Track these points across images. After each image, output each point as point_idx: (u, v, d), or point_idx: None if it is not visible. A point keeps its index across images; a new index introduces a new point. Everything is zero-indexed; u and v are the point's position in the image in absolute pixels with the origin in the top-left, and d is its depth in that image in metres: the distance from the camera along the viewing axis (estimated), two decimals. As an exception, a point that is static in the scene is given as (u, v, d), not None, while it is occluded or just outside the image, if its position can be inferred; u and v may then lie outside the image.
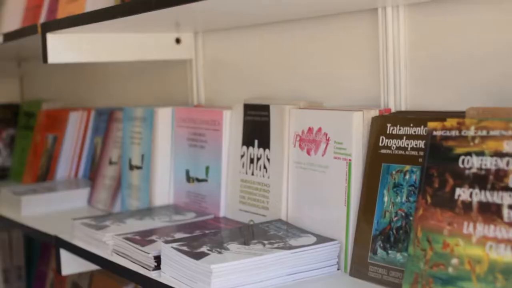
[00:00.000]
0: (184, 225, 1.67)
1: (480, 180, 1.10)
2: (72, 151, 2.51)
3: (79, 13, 1.76)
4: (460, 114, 1.27)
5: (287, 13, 1.62)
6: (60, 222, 1.99)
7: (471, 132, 1.13)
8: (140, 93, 2.41)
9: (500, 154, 1.08)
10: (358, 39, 1.58)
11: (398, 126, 1.35)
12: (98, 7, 2.03)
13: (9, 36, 2.10)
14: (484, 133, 1.11)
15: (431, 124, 1.19)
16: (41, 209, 2.18)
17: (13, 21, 2.71)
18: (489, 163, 1.09)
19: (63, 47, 1.85)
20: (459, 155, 1.13)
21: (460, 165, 1.13)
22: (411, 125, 1.33)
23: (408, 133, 1.33)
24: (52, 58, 1.83)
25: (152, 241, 1.52)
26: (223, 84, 2.01)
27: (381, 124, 1.38)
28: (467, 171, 1.12)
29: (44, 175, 2.58)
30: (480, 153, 1.11)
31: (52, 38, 1.84)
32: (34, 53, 2.56)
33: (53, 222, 2.01)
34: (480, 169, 1.10)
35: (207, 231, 1.58)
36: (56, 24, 1.82)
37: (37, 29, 1.86)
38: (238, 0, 1.33)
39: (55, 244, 1.81)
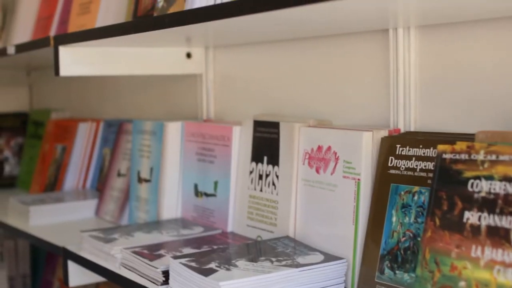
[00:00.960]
0: (191, 239, 1.68)
1: (489, 204, 1.11)
2: (80, 161, 2.52)
3: (92, 28, 1.78)
4: (469, 137, 1.28)
5: (298, 32, 1.63)
6: (68, 233, 2.00)
7: (480, 156, 1.14)
8: (149, 106, 2.42)
9: (509, 179, 1.09)
10: (369, 59, 1.59)
11: (408, 147, 1.36)
12: (109, 20, 2.05)
13: (21, 48, 2.11)
14: (493, 157, 1.12)
15: (440, 147, 1.20)
16: (49, 219, 2.19)
17: (24, 31, 2.72)
18: (498, 187, 1.10)
19: (75, 60, 1.87)
20: (468, 179, 1.14)
21: (469, 188, 1.14)
22: (421, 146, 1.33)
23: (417, 154, 1.34)
24: (64, 71, 1.85)
25: (160, 256, 1.53)
26: (233, 99, 2.02)
27: (390, 144, 1.39)
28: (476, 195, 1.13)
29: (52, 185, 2.59)
30: (489, 177, 1.11)
31: (65, 51, 1.85)
32: (44, 62, 2.58)
33: (61, 233, 2.03)
34: (489, 193, 1.11)
35: (215, 247, 1.59)
36: (69, 38, 1.83)
37: (49, 41, 1.87)
38: (249, 21, 1.34)
39: (63, 255, 1.82)
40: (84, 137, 2.53)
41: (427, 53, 1.47)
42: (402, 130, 1.50)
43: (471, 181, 1.14)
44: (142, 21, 1.53)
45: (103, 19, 2.10)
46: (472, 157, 1.15)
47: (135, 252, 1.56)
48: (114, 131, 2.36)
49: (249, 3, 1.19)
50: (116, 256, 1.61)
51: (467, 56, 1.39)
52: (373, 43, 1.57)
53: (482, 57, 1.37)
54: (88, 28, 2.07)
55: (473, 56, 1.38)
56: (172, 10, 1.72)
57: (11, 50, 2.16)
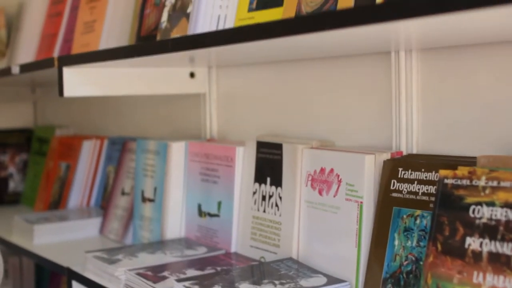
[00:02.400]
0: (195, 260, 1.68)
1: (490, 230, 1.11)
2: (84, 179, 2.53)
3: (96, 50, 1.79)
4: (471, 160, 1.29)
5: (301, 54, 1.64)
6: (72, 252, 2.01)
7: (482, 182, 1.14)
8: (153, 124, 2.43)
9: (510, 206, 1.09)
10: (371, 81, 1.60)
11: (410, 170, 1.36)
12: (113, 39, 2.07)
13: (25, 68, 2.12)
14: (495, 183, 1.12)
15: (442, 172, 1.21)
16: (53, 238, 2.20)
17: (29, 48, 2.74)
18: (499, 214, 1.11)
19: (79, 81, 1.88)
20: (469, 205, 1.15)
21: (471, 214, 1.14)
22: (423, 170, 1.34)
23: (420, 178, 1.34)
24: (68, 91, 1.86)
25: (164, 278, 1.53)
26: (236, 119, 2.03)
27: (392, 167, 1.40)
28: (477, 221, 1.13)
29: (57, 202, 2.60)
30: (491, 204, 1.12)
31: (68, 72, 1.86)
32: (48, 79, 2.59)
33: (65, 252, 2.03)
34: (491, 219, 1.11)
35: (218, 268, 1.59)
36: (73, 59, 1.84)
37: (54, 62, 1.88)
38: (252, 46, 1.35)
39: (68, 276, 1.83)
40: (88, 155, 2.54)
41: (429, 75, 1.47)
42: (405, 153, 1.50)
43: (472, 207, 1.14)
44: (146, 45, 1.54)
45: (107, 38, 2.11)
46: (474, 182, 1.15)
47: (139, 274, 1.56)
48: (118, 149, 2.37)
49: (252, 30, 1.20)
50: (120, 278, 1.62)
51: (469, 79, 1.40)
52: (376, 65, 1.58)
53: (484, 81, 1.38)
54: (92, 49, 2.09)
55: (475, 80, 1.39)
56: (175, 31, 1.73)
57: (15, 70, 2.17)
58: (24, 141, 3.14)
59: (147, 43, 1.54)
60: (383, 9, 0.95)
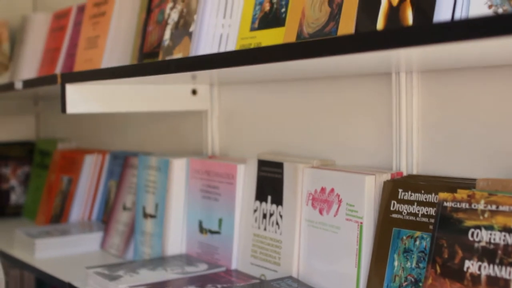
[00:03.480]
0: (196, 277, 1.69)
1: (489, 254, 1.12)
2: (86, 193, 2.54)
3: (99, 68, 1.80)
4: (471, 182, 1.30)
5: (302, 73, 1.65)
6: (73, 267, 2.02)
7: (480, 206, 1.15)
8: (155, 140, 2.44)
9: (508, 230, 1.10)
10: (371, 101, 1.61)
11: (410, 192, 1.37)
12: (115, 55, 2.08)
13: (28, 83, 2.14)
14: (493, 207, 1.13)
15: (441, 195, 1.22)
16: (55, 252, 2.20)
17: (32, 61, 2.76)
18: (498, 237, 1.11)
19: (81, 98, 1.89)
20: (468, 228, 1.16)
21: (470, 237, 1.15)
22: (422, 191, 1.35)
23: (419, 199, 1.35)
24: (71, 108, 1.87)
25: (165, 296, 1.54)
26: (237, 136, 2.04)
27: (393, 188, 1.41)
28: (476, 244, 1.14)
29: (58, 216, 2.61)
30: (490, 227, 1.13)
31: (71, 89, 1.87)
32: (51, 92, 2.61)
33: (66, 267, 2.04)
34: (489, 243, 1.12)
35: (219, 286, 1.60)
36: (76, 77, 1.85)
37: (57, 79, 1.90)
38: (253, 68, 1.36)
39: (69, 291, 1.84)
40: (90, 169, 2.55)
41: (430, 97, 1.48)
42: (405, 173, 1.51)
43: (471, 230, 1.15)
44: (148, 65, 1.56)
45: (109, 54, 2.13)
46: (473, 206, 1.16)
47: (139, 291, 1.57)
48: (120, 164, 2.38)
49: (253, 53, 1.21)
50: (121, 295, 1.63)
51: (469, 101, 1.41)
52: (376, 85, 1.59)
53: (484, 103, 1.39)
54: (95, 65, 2.10)
55: (475, 101, 1.40)
56: (177, 49, 1.74)
57: (18, 85, 2.19)
58: (26, 153, 3.15)
59: (149, 63, 1.56)
60: (383, 37, 0.96)
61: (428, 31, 0.89)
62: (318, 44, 1.07)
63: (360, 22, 1.32)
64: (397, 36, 0.93)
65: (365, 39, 0.98)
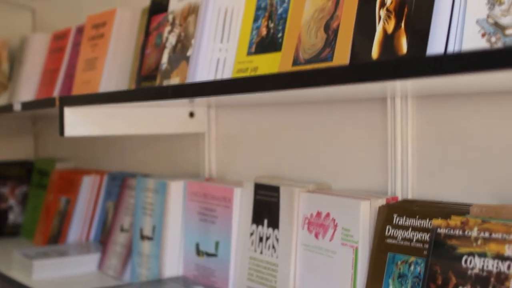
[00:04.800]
0: (192, 300, 1.70)
1: (482, 281, 1.13)
2: (84, 214, 2.55)
3: (98, 93, 1.81)
4: (465, 207, 1.31)
5: (299, 98, 1.66)
6: (70, 289, 2.03)
7: (474, 233, 1.16)
8: (153, 161, 2.45)
9: (501, 257, 1.11)
10: (367, 125, 1.62)
11: (404, 217, 1.38)
12: (114, 78, 2.10)
13: (27, 106, 2.15)
14: (486, 235, 1.14)
15: (435, 222, 1.23)
16: (52, 273, 2.21)
17: (31, 82, 2.77)
18: (491, 265, 1.12)
19: (79, 121, 1.90)
20: (462, 255, 1.17)
21: (463, 264, 1.16)
22: (417, 217, 1.36)
23: (414, 224, 1.36)
24: (69, 131, 1.88)
25: (161, 319, 1.55)
26: (234, 158, 2.05)
27: (388, 213, 1.42)
28: (469, 271, 1.15)
29: (56, 236, 2.62)
30: (483, 255, 1.14)
31: (69, 112, 1.88)
32: (49, 112, 2.62)
33: (64, 288, 2.05)
34: (482, 270, 1.13)
35: (215, 309, 1.61)
36: (74, 100, 1.87)
37: (55, 102, 1.91)
38: (249, 95, 1.38)
39: (66, 313, 1.85)
40: (88, 190, 2.56)
41: (425, 122, 1.50)
42: (400, 198, 1.52)
43: (464, 257, 1.16)
44: (145, 91, 1.57)
45: (108, 77, 2.14)
46: (466, 233, 1.17)
47: (136, 315, 1.58)
48: (118, 185, 2.39)
49: (249, 82, 1.22)
50: (118, 318, 1.63)
51: (464, 127, 1.42)
52: (372, 110, 1.60)
53: (479, 128, 1.40)
54: (93, 87, 2.12)
55: (470, 127, 1.41)
56: (175, 73, 1.76)
57: (17, 107, 2.20)
58: (25, 173, 3.16)
59: (147, 89, 1.57)
60: (377, 69, 0.98)
61: (422, 64, 0.91)
62: (313, 74, 1.09)
63: (355, 49, 1.33)
64: (391, 69, 0.95)
65: (360, 71, 1.00)
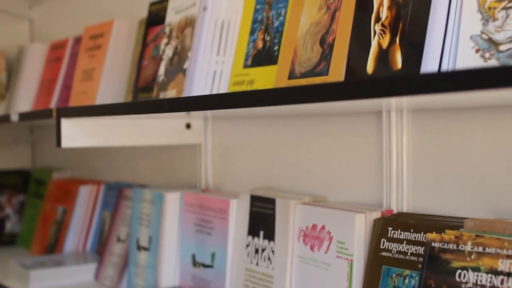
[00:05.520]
0: (188, 312, 1.71)
1: (476, 295, 1.14)
2: (81, 224, 2.55)
3: (95, 105, 1.82)
4: (459, 221, 1.32)
5: (294, 112, 1.67)
6: (67, 300, 2.03)
7: (468, 247, 1.17)
8: (150, 172, 2.46)
9: (495, 272, 1.12)
10: (362, 139, 1.63)
11: (399, 230, 1.39)
12: (110, 89, 2.11)
13: (24, 116, 2.16)
14: (480, 249, 1.15)
15: (430, 236, 1.24)
16: (49, 283, 2.21)
17: (28, 92, 2.78)
18: (485, 279, 1.13)
19: (76, 132, 1.91)
20: (456, 269, 1.18)
21: (457, 278, 1.17)
22: (412, 230, 1.37)
23: (408, 238, 1.37)
24: (66, 143, 1.89)
25: (157, 331, 1.55)
26: (231, 169, 2.06)
27: (382, 227, 1.43)
28: (463, 286, 1.16)
29: (53, 246, 2.62)
30: (476, 269, 1.15)
31: (66, 123, 1.89)
32: (47, 122, 2.63)
33: (60, 299, 2.06)
34: (476, 284, 1.14)
35: (211, 321, 1.61)
36: (71, 112, 1.87)
37: (52, 113, 1.92)
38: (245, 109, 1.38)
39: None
40: (84, 200, 2.56)
41: (420, 135, 1.51)
42: (395, 211, 1.53)
43: (458, 271, 1.17)
44: (142, 104, 1.58)
45: (105, 87, 2.15)
46: (460, 247, 1.18)
47: (132, 326, 1.59)
48: (115, 195, 2.39)
49: (245, 97, 1.23)
50: (114, 329, 1.64)
51: (458, 141, 1.43)
52: (367, 123, 1.61)
53: (474, 142, 1.41)
54: (90, 97, 2.13)
55: (464, 141, 1.42)
56: (172, 85, 1.77)
57: (14, 117, 2.21)
58: (22, 182, 3.16)
59: (143, 102, 1.58)
60: (371, 86, 0.99)
61: (416, 83, 0.92)
62: (308, 91, 1.10)
63: (351, 63, 1.34)
64: (384, 86, 0.96)
65: (354, 88, 1.01)
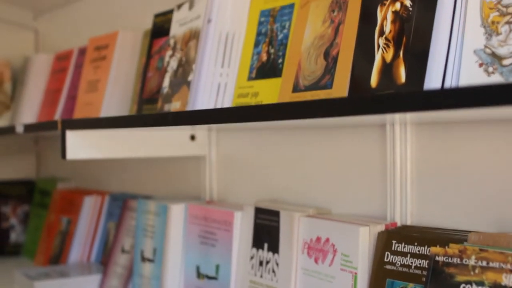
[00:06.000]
0: (193, 324, 1.71)
1: (480, 310, 1.14)
2: (85, 234, 2.55)
3: (100, 117, 1.82)
4: (463, 234, 1.32)
5: (299, 125, 1.68)
6: (71, 311, 2.03)
7: (471, 262, 1.17)
8: (154, 182, 2.46)
9: (499, 286, 1.12)
10: (366, 151, 1.63)
11: (403, 243, 1.39)
12: (115, 100, 2.11)
13: (29, 128, 2.17)
14: (484, 263, 1.15)
15: (434, 250, 1.24)
16: (53, 295, 2.22)
17: (33, 102, 2.79)
18: (489, 294, 1.13)
19: (81, 144, 1.91)
20: (460, 283, 1.18)
21: (461, 293, 1.17)
22: (416, 244, 1.37)
23: (412, 251, 1.37)
24: (71, 154, 1.89)
25: None
26: (235, 181, 2.06)
27: (387, 240, 1.43)
28: (467, 300, 1.16)
29: (57, 256, 2.63)
30: (480, 283, 1.15)
31: (71, 135, 1.89)
32: (52, 132, 2.64)
33: (64, 310, 2.06)
34: (480, 299, 1.14)
35: (215, 333, 1.62)
36: (76, 124, 1.88)
37: (57, 125, 1.92)
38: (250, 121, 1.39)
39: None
40: (89, 211, 2.56)
41: (424, 148, 1.51)
42: (399, 223, 1.53)
43: (462, 285, 1.17)
44: (146, 117, 1.58)
45: (109, 99, 2.16)
46: (464, 261, 1.18)
47: None
48: (119, 206, 2.40)
49: (249, 111, 1.24)
50: None
51: (462, 154, 1.43)
52: (371, 136, 1.62)
53: (478, 155, 1.41)
54: (95, 109, 2.14)
55: (468, 155, 1.42)
56: (176, 97, 1.77)
57: (20, 129, 2.22)
58: (26, 192, 3.17)
59: (148, 115, 1.58)
60: (375, 103, 0.99)
61: (419, 99, 0.92)
62: (312, 106, 1.10)
63: (355, 77, 1.35)
64: (388, 103, 0.96)
65: (357, 104, 1.01)
